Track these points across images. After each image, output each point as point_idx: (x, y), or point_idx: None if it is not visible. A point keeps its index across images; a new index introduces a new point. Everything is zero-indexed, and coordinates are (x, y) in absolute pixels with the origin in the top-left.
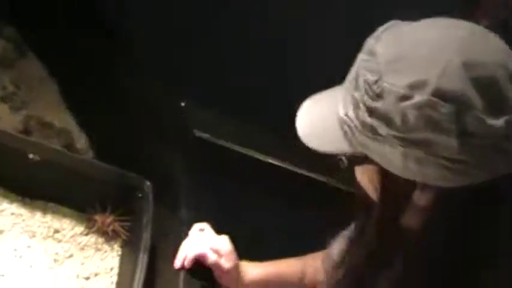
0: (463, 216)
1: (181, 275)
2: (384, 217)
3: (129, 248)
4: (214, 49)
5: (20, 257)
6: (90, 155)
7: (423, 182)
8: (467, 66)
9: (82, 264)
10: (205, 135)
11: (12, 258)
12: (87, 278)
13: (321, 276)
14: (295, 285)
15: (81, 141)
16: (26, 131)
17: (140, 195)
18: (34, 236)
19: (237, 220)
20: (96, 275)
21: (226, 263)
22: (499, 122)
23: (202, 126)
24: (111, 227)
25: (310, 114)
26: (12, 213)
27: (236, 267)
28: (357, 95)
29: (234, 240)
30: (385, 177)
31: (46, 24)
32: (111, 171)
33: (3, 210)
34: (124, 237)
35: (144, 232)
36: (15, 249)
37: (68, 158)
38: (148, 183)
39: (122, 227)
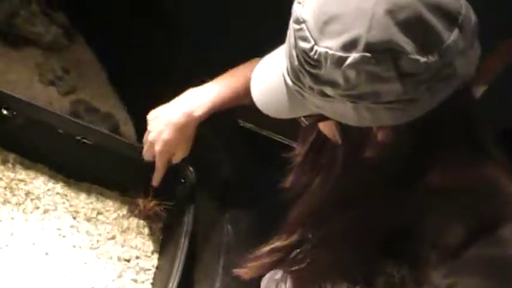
0: (419, 144)
1: (221, 261)
2: (347, 156)
3: (170, 232)
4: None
5: (64, 236)
6: (135, 139)
7: (379, 125)
8: (391, 13)
9: (123, 246)
10: (249, 125)
11: (55, 238)
12: (128, 260)
13: None
14: None
15: (127, 126)
16: (74, 115)
17: (183, 180)
18: (78, 216)
19: (280, 209)
20: (137, 257)
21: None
22: (433, 57)
23: (246, 116)
24: (153, 211)
25: (262, 82)
26: (58, 193)
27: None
28: (296, 64)
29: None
30: (343, 128)
31: (96, 9)
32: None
33: (48, 190)
34: (166, 222)
35: (185, 217)
36: (59, 229)
37: (114, 142)
38: (191, 169)
39: (164, 211)
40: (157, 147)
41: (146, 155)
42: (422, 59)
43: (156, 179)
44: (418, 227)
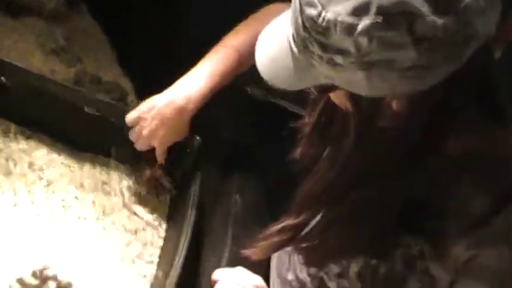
0: (437, 115)
1: (229, 231)
2: (359, 127)
3: (177, 203)
4: None
5: (68, 207)
6: None
7: (393, 94)
8: None
9: (129, 217)
10: (258, 93)
11: (60, 209)
12: (135, 232)
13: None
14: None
15: (132, 95)
16: (78, 85)
17: (189, 150)
18: (82, 187)
19: (289, 180)
20: (143, 229)
21: None
22: (450, 19)
23: (255, 83)
24: (160, 182)
25: (267, 52)
26: (61, 164)
27: None
28: (303, 32)
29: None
30: (355, 98)
31: None
32: None
33: (51, 161)
34: (173, 192)
35: (192, 188)
36: (63, 200)
37: (119, 112)
38: (197, 137)
39: (171, 182)
40: (154, 143)
41: (141, 146)
42: (440, 21)
43: (160, 161)
44: (437, 198)
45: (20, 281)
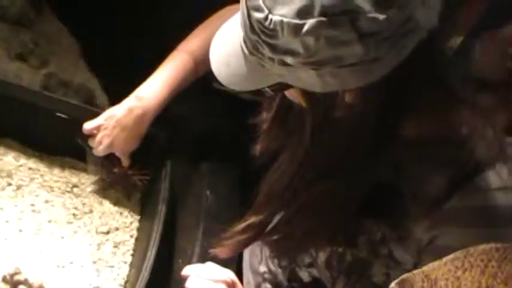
0: (389, 102)
1: (201, 227)
2: (315, 121)
3: (148, 201)
4: None
5: (39, 212)
6: None
7: (345, 89)
8: None
9: (101, 218)
10: (224, 87)
11: (29, 214)
12: (107, 233)
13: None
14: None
15: (100, 97)
16: (46, 88)
17: (157, 146)
18: (52, 191)
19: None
20: (116, 229)
21: None
22: (392, 13)
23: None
24: (130, 181)
25: (220, 54)
26: (30, 168)
27: None
28: (254, 37)
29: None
30: (309, 94)
31: None
32: None
33: (20, 166)
34: (143, 191)
35: (161, 184)
36: (32, 205)
37: (86, 113)
38: (164, 134)
39: (141, 180)
40: (116, 151)
41: (101, 153)
42: (382, 16)
43: (126, 164)
44: (396, 181)
45: None
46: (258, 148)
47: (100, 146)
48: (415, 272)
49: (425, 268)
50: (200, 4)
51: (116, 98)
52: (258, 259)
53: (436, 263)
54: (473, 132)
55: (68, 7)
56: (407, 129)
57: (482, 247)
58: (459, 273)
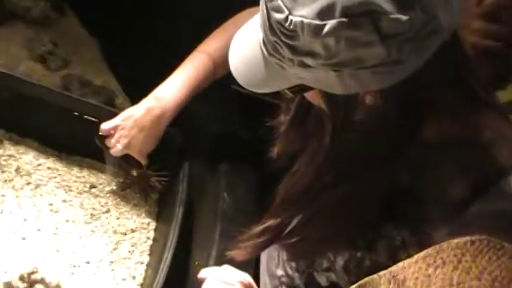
0: (411, 105)
1: (218, 229)
2: (335, 123)
3: (166, 202)
4: None
5: (56, 211)
6: None
7: (366, 91)
8: None
9: (118, 219)
10: (242, 88)
11: (47, 213)
12: (124, 233)
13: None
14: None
15: (120, 98)
16: (66, 89)
17: (175, 148)
18: (70, 190)
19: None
20: (132, 230)
21: None
22: (415, 13)
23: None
24: (148, 182)
25: (239, 56)
26: (49, 168)
27: None
28: (274, 38)
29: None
30: (328, 96)
31: None
32: None
33: (39, 165)
34: (161, 192)
35: (179, 186)
36: (50, 204)
37: (106, 114)
38: (182, 135)
39: (159, 182)
40: (133, 152)
41: (117, 153)
42: (404, 17)
43: (144, 164)
44: (418, 186)
45: (8, 285)
46: (275, 150)
47: (117, 146)
48: (380, 273)
49: (393, 268)
50: (217, 6)
51: (135, 98)
52: (275, 262)
53: (406, 262)
54: (497, 136)
55: (89, 8)
56: (428, 131)
57: (456, 241)
58: (430, 270)
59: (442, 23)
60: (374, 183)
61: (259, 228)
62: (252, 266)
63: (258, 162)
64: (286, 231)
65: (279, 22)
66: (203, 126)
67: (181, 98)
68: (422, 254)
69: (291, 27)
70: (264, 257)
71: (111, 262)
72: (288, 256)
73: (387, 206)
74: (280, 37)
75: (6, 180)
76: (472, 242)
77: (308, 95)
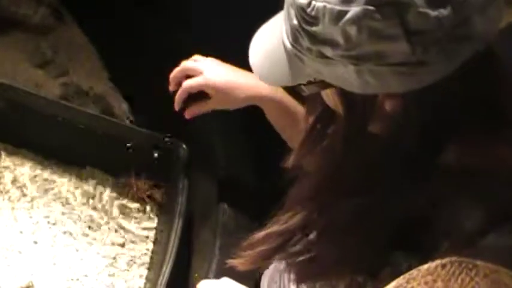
0: (431, 118)
1: (218, 242)
2: (349, 130)
3: (165, 213)
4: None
5: (54, 223)
6: (128, 120)
7: (386, 93)
8: None
9: (117, 231)
10: None
11: (44, 225)
12: (122, 245)
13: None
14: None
15: (120, 107)
16: (64, 97)
17: (176, 159)
18: (68, 202)
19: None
20: (132, 242)
21: None
22: (445, 11)
23: None
24: (147, 193)
25: (260, 48)
26: (45, 179)
27: None
28: (294, 23)
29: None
30: (346, 95)
31: None
32: (147, 135)
33: (35, 176)
34: (160, 204)
35: (179, 198)
36: (47, 216)
37: (104, 123)
38: (184, 146)
39: (158, 193)
40: (208, 89)
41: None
42: (433, 13)
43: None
44: (433, 213)
45: None
46: (290, 160)
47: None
48: None
49: None
50: (216, 15)
51: (135, 108)
52: (277, 285)
53: None
54: None
55: (89, 16)
56: (449, 156)
57: (426, 267)
58: None
59: (476, 29)
60: (387, 201)
61: (261, 234)
62: (253, 282)
63: (259, 175)
64: (296, 248)
65: (301, 7)
66: (204, 138)
67: (275, 93)
68: (392, 284)
69: (313, 13)
70: (265, 280)
71: (110, 275)
72: (295, 276)
73: (400, 232)
74: (301, 23)
75: (1, 192)
76: (443, 266)
77: (325, 94)
